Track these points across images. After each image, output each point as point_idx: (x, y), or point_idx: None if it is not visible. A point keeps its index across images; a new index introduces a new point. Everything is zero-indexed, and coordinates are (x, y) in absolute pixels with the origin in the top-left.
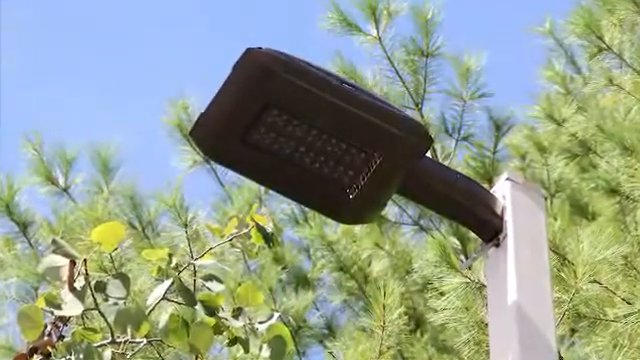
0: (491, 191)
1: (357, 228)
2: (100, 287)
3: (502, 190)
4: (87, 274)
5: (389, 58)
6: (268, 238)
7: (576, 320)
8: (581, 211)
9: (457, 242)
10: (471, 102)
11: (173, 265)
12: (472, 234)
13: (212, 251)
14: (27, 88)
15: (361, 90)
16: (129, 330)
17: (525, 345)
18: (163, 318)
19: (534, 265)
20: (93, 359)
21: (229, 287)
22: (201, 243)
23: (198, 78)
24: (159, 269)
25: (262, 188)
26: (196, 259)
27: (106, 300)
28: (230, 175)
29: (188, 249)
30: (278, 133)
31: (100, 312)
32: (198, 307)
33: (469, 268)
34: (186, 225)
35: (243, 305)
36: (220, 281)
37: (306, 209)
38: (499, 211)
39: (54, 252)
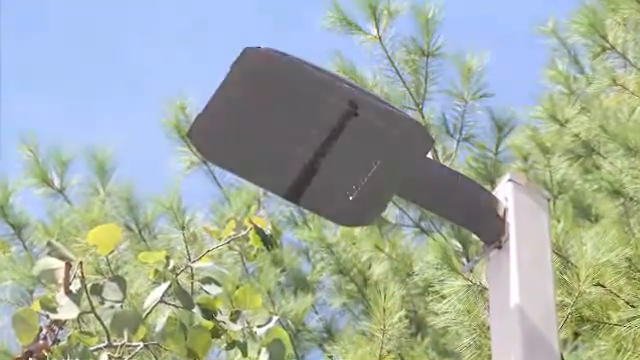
0: (493, 192)
1: (357, 230)
2: (96, 290)
3: (504, 191)
4: (83, 277)
5: (389, 58)
6: (267, 240)
7: (579, 323)
8: (584, 213)
9: (458, 244)
10: (473, 102)
11: (170, 268)
12: (474, 236)
13: (210, 253)
14: (23, 89)
15: (361, 90)
16: (126, 334)
17: (527, 349)
18: (160, 321)
19: (536, 268)
20: None
21: (227, 290)
22: (199, 245)
23: (196, 78)
24: (156, 272)
25: (260, 190)
26: (194, 262)
27: (102, 303)
28: (228, 176)
29: (185, 251)
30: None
31: (96, 315)
32: (196, 310)
33: (471, 271)
34: (183, 227)
35: (241, 308)
36: (218, 284)
37: (305, 211)
38: (501, 213)
39: (49, 254)
